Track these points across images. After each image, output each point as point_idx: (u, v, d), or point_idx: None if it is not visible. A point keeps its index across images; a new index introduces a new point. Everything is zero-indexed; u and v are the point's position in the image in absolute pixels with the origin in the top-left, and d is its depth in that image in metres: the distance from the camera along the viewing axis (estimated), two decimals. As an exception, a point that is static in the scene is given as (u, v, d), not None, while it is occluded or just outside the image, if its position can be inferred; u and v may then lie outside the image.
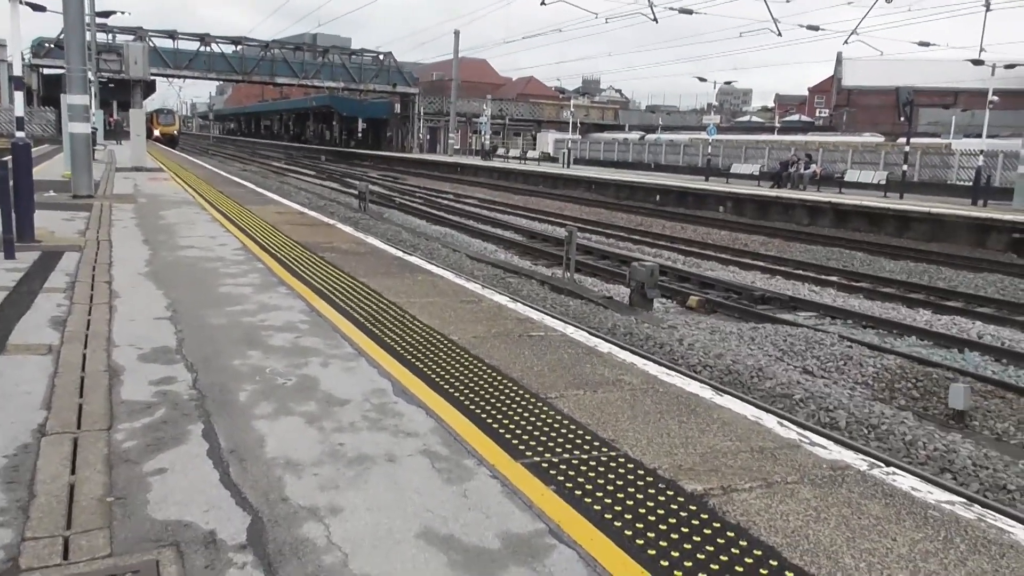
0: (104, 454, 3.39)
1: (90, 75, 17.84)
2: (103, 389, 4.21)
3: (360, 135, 74.59)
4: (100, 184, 17.45)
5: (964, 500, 3.34)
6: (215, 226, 11.69)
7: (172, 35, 55.55)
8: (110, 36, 49.82)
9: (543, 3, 27.80)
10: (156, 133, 65.14)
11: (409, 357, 5.04)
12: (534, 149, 61.20)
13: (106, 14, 37.46)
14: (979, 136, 36.75)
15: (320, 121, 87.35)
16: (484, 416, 4.02)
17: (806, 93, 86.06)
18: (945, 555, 2.81)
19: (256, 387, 4.36)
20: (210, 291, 6.91)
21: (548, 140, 63.18)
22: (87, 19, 21.34)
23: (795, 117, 77.53)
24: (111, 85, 36.51)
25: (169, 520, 2.83)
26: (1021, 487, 5.64)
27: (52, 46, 48.25)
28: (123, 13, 35.17)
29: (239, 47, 58.73)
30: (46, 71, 51.57)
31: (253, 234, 10.91)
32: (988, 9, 26.77)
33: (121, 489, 3.06)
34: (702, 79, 51.48)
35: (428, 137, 67.54)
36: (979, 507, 3.28)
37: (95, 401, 4.03)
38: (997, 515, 3.21)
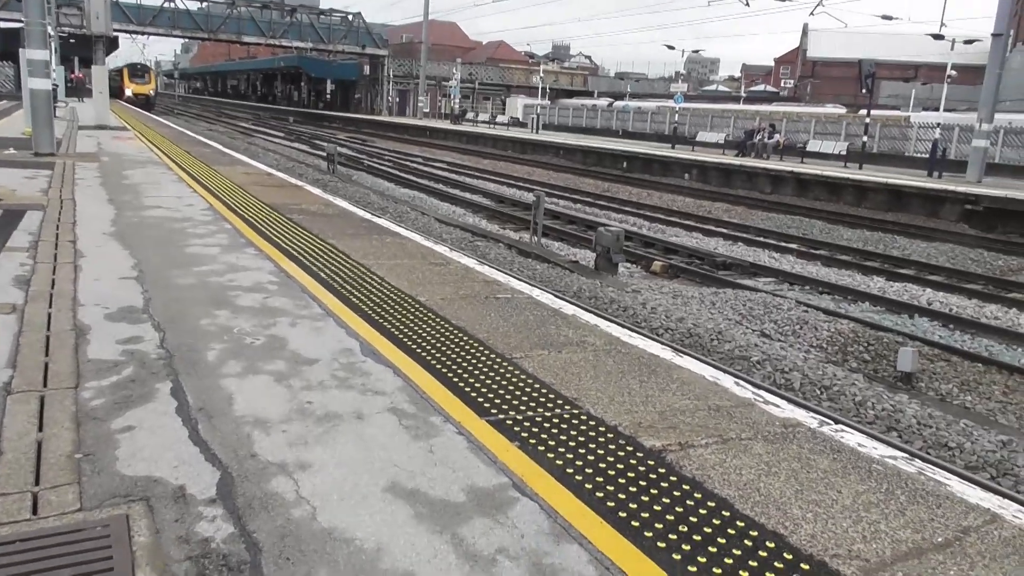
0: (72, 412, 3.41)
1: (50, 29, 17.27)
2: (69, 348, 4.22)
3: (328, 97, 73.34)
4: (62, 142, 17.04)
5: (906, 455, 3.51)
6: (182, 186, 11.54)
7: (135, -11, 53.85)
8: (71, -11, 48.11)
9: (513, -35, 27.42)
10: (128, 93, 58.62)
11: (377, 318, 5.10)
12: (503, 114, 60.84)
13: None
14: (937, 110, 37.31)
15: (288, 82, 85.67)
16: (451, 375, 4.11)
17: (772, 64, 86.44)
18: (886, 506, 2.97)
19: (224, 346, 4.39)
20: (177, 251, 6.88)
21: (517, 105, 62.78)
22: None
23: (761, 87, 77.95)
24: (72, 41, 35.23)
25: (138, 476, 2.88)
26: (960, 444, 5.91)
27: (9, -3, 46.50)
28: None
29: (205, 4, 57.03)
30: (3, 24, 49.68)
31: (221, 195, 10.80)
32: (952, -18, 27.02)
33: (90, 446, 3.10)
34: (670, 47, 51.61)
35: (397, 100, 66.69)
36: (920, 462, 3.45)
37: (61, 360, 4.03)
38: (936, 469, 3.39)
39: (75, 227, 7.72)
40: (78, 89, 45.23)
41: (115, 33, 40.60)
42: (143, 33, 57.35)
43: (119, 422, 3.33)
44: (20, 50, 15.82)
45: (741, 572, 2.49)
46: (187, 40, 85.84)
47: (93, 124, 23.92)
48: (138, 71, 61.85)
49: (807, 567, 2.53)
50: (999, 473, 5.59)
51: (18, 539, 2.46)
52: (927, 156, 27.69)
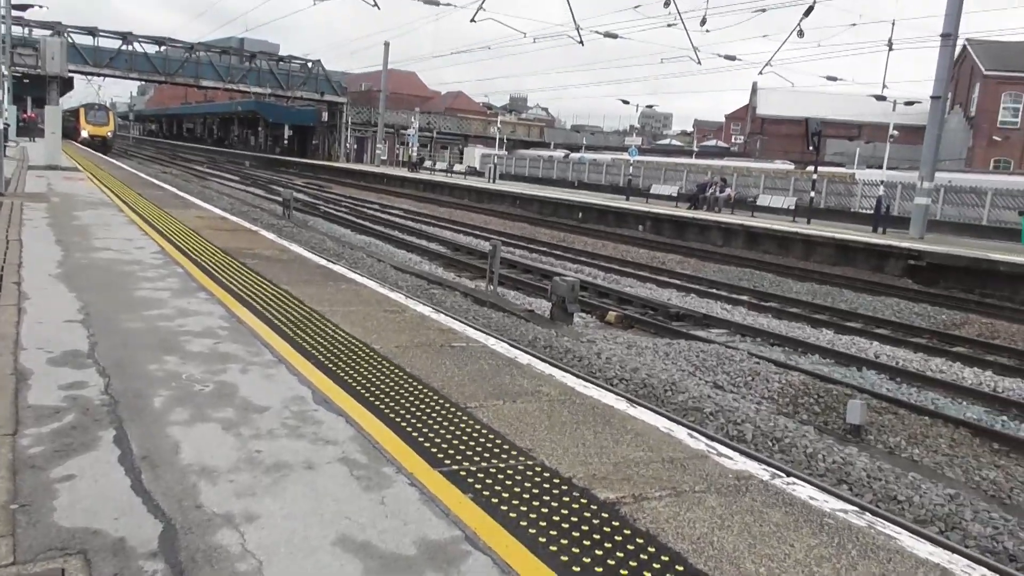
0: (8, 460, 3.29)
1: (3, 69, 17.05)
2: (9, 393, 4.08)
3: (286, 142, 73.28)
4: (11, 182, 16.71)
5: (857, 508, 3.55)
6: (133, 229, 11.35)
7: (92, 32, 53.16)
8: (26, 30, 47.59)
9: (473, 20, 27.99)
10: (84, 134, 54.84)
11: (330, 365, 5.03)
12: (461, 163, 61.36)
13: (23, 7, 35.91)
14: (880, 167, 38.73)
15: (245, 126, 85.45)
16: (404, 425, 4.06)
17: (723, 119, 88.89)
18: (838, 560, 2.99)
19: (172, 393, 4.29)
20: (126, 295, 6.73)
21: (475, 154, 63.48)
22: (1, 11, 20.42)
23: (712, 142, 80.00)
24: (26, 81, 34.68)
25: (76, 528, 2.78)
26: (909, 497, 6.00)
27: (-38, 39, 45.81)
28: (41, 7, 33.72)
29: (163, 48, 56.73)
30: (-46, 64, 48.80)
31: (173, 238, 10.64)
32: (891, 49, 28.30)
33: (26, 496, 2.98)
34: (625, 102, 53.09)
35: (355, 147, 66.85)
36: (870, 515, 3.49)
37: (0, 405, 3.89)
38: (886, 523, 3.43)
39: (20, 268, 7.52)
40: (30, 129, 44.45)
41: (70, 74, 40.14)
42: (99, 75, 56.59)
43: (58, 471, 3.21)
44: (-30, 89, 15.56)
45: (695, 627, 2.48)
46: (143, 82, 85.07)
47: (44, 164, 23.51)
48: (95, 112, 58.16)
49: (760, 622, 2.53)
50: (948, 527, 5.67)
51: (-56, 596, 2.34)
52: (872, 212, 28.58)
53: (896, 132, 37.77)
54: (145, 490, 3.11)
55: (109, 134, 56.87)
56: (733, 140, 79.22)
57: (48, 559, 2.57)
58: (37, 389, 4.18)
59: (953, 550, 3.28)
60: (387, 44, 57.74)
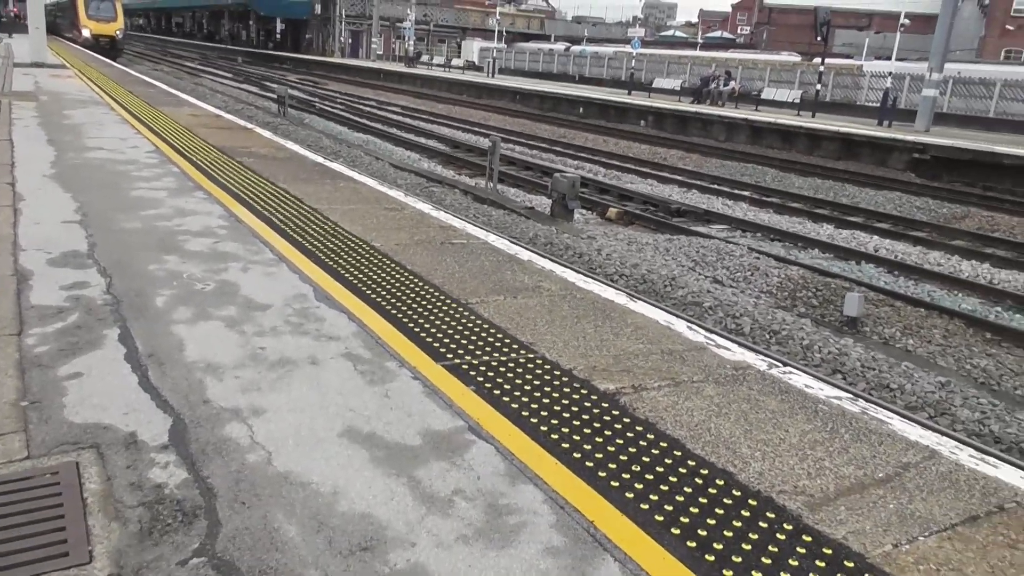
0: (15, 359, 3.33)
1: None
2: (11, 294, 4.09)
3: (279, 37, 71.18)
4: (-6, 80, 16.31)
5: (850, 396, 3.62)
6: (125, 127, 11.15)
7: (70, -79, 50.62)
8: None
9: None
10: (86, 33, 41.26)
11: (331, 263, 5.04)
12: (459, 57, 59.80)
13: None
14: (890, 59, 37.71)
15: (236, 20, 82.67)
16: (406, 320, 4.10)
17: (730, 9, 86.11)
18: (831, 443, 3.07)
19: (174, 292, 4.30)
20: (122, 195, 6.67)
21: (473, 48, 61.80)
22: None
23: (718, 33, 77.79)
24: None
25: (87, 423, 2.83)
26: (902, 385, 6.12)
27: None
28: None
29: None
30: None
31: (167, 137, 10.46)
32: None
33: (35, 393, 3.03)
34: (628, -10, 51.00)
35: (350, 41, 65.00)
36: (863, 402, 3.56)
37: (3, 306, 3.92)
38: (879, 408, 3.51)
39: (13, 169, 7.43)
40: (15, 25, 42.66)
41: (52, -34, 37.75)
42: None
43: (65, 369, 3.26)
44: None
45: (692, 508, 2.56)
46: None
47: (29, 61, 22.87)
48: (99, 3, 41.79)
49: (755, 503, 2.61)
50: (937, 413, 5.80)
51: (-37, 487, 2.41)
52: (877, 105, 28.00)
53: (907, 21, 36.61)
54: (152, 386, 3.16)
55: (118, 33, 43.00)
56: (739, 31, 76.98)
57: (62, 453, 2.63)
58: (39, 289, 4.19)
59: (942, 433, 3.36)
60: (379, -69, 55.32)
